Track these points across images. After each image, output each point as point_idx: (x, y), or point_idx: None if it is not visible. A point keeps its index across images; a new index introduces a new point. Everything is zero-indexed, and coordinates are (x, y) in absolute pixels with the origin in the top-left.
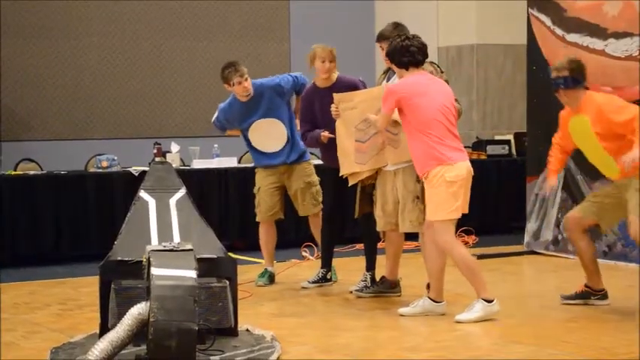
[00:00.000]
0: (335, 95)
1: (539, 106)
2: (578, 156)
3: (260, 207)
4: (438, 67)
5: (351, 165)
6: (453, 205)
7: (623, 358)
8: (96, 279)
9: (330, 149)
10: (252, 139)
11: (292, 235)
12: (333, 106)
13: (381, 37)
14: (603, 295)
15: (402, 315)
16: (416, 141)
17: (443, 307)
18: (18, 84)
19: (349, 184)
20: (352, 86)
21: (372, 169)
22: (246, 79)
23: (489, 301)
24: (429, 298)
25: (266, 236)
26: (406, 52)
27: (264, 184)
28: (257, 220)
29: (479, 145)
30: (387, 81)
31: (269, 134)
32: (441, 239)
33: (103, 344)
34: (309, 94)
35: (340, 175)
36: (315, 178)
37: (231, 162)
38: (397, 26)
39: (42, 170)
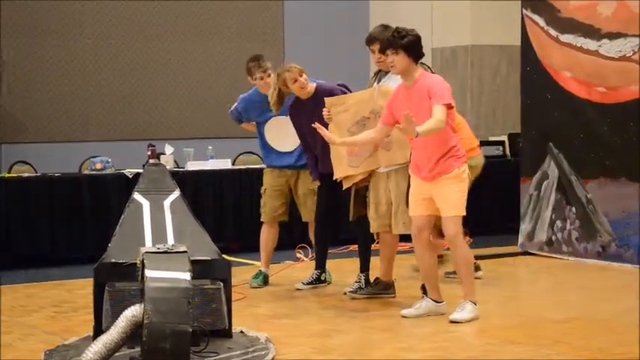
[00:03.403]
0: (326, 99)
1: (534, 106)
2: (573, 156)
3: (265, 208)
4: (429, 67)
5: (345, 168)
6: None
7: (619, 358)
8: (90, 281)
9: (323, 156)
10: (268, 135)
11: (286, 236)
12: (324, 110)
13: (374, 39)
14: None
15: (404, 317)
16: (450, 140)
17: (444, 306)
18: (12, 86)
19: (343, 188)
20: (331, 93)
21: (365, 171)
22: (268, 75)
23: (475, 304)
24: (431, 298)
25: (267, 237)
26: (421, 43)
27: (270, 186)
28: (262, 220)
29: None
30: (378, 82)
31: (285, 133)
32: (456, 232)
33: (97, 346)
34: (294, 107)
35: (334, 178)
36: None
37: (225, 164)
38: (387, 28)
39: (36, 172)
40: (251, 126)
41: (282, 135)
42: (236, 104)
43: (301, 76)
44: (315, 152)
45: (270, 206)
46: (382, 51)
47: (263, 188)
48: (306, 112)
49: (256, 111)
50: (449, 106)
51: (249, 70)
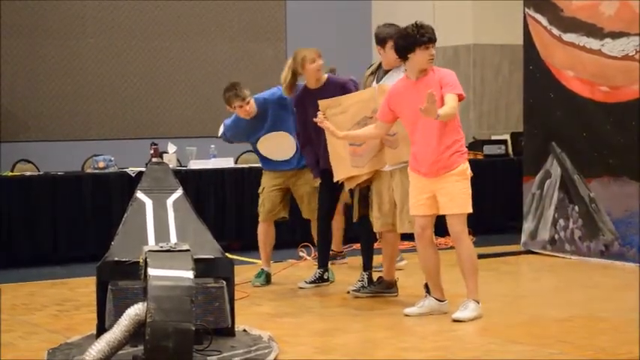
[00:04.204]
0: (320, 102)
1: (536, 105)
2: (575, 155)
3: (263, 207)
4: None
5: (348, 169)
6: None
7: (622, 357)
8: (93, 280)
9: (326, 152)
10: (262, 151)
11: (289, 235)
12: (319, 113)
13: (388, 38)
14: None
15: (407, 315)
16: (454, 134)
17: (446, 305)
18: (15, 84)
19: (346, 189)
20: (343, 86)
21: (371, 171)
22: (247, 103)
23: (478, 303)
24: (433, 297)
25: (265, 236)
26: None
27: (268, 185)
28: (259, 219)
29: (475, 145)
30: (377, 82)
31: (278, 146)
32: (461, 230)
33: (100, 345)
34: (301, 97)
35: (335, 180)
36: None
37: (227, 162)
38: (392, 25)
39: (39, 171)
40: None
41: (276, 148)
42: (224, 130)
43: (320, 57)
44: (316, 149)
45: (267, 205)
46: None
47: (261, 188)
48: (314, 103)
49: (245, 135)
50: (460, 97)
51: (228, 99)
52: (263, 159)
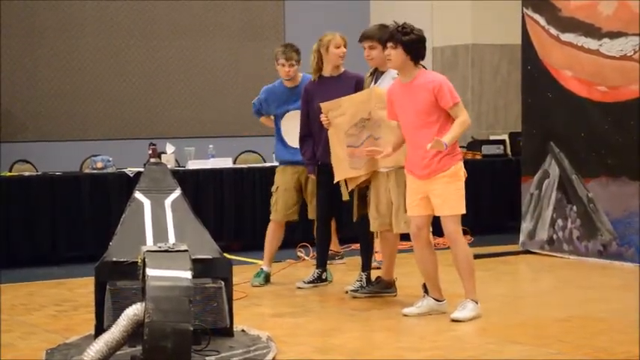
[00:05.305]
0: (322, 105)
1: (534, 105)
2: (574, 155)
3: (277, 206)
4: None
5: (346, 170)
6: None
7: (620, 357)
8: (91, 280)
9: (326, 144)
10: (284, 129)
11: (288, 235)
12: (322, 115)
13: (367, 37)
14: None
15: (406, 315)
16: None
17: (445, 305)
18: (13, 84)
19: (348, 189)
20: (360, 79)
21: (368, 172)
22: (290, 65)
23: (476, 303)
24: (432, 297)
25: (273, 236)
26: (424, 44)
27: (283, 184)
28: (271, 218)
29: (474, 145)
30: (375, 82)
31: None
32: (455, 230)
33: (99, 345)
34: (313, 85)
35: (335, 181)
36: None
37: (226, 163)
38: (385, 27)
39: (37, 171)
40: (269, 121)
41: (298, 130)
42: (259, 95)
43: (345, 45)
44: (316, 142)
45: (282, 204)
46: (383, 43)
47: (275, 186)
48: (328, 91)
49: (276, 102)
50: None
51: (275, 54)
52: (279, 145)
